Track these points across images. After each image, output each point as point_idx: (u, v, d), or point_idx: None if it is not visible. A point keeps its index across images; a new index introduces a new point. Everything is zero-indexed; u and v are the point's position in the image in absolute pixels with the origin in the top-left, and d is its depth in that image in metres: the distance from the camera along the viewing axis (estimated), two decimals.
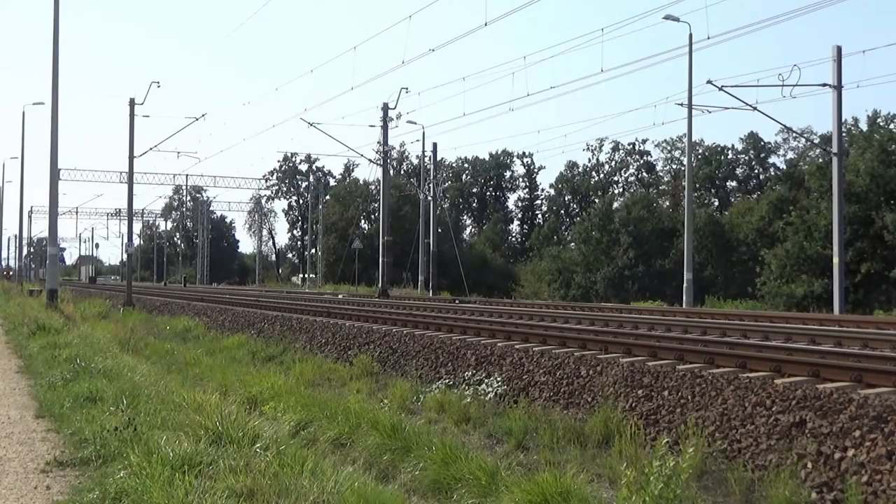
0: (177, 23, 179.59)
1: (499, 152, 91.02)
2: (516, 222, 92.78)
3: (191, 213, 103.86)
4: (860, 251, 34.72)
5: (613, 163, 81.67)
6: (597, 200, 69.71)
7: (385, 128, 39.53)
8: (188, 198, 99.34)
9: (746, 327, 15.25)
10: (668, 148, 77.05)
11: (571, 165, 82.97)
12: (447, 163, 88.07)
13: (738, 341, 12.35)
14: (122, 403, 8.26)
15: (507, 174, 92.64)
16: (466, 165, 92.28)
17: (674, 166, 75.79)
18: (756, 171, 72.06)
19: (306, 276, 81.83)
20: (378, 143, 40.69)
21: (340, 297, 37.65)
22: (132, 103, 35.20)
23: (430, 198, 49.15)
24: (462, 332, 14.67)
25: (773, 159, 71.32)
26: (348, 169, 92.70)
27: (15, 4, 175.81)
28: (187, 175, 71.49)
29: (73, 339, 15.39)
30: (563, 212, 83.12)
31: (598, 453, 7.92)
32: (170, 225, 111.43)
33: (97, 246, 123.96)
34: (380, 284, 39.95)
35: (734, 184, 72.62)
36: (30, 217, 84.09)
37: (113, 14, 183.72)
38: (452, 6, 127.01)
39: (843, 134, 30.61)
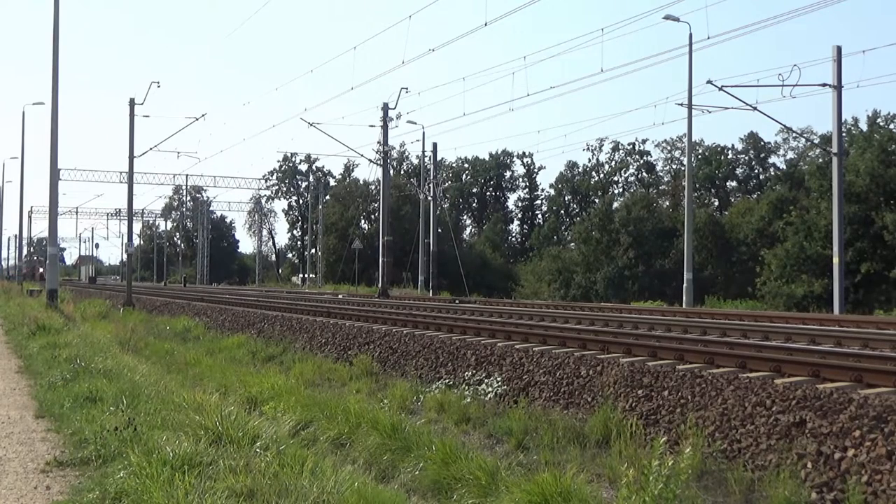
0: (177, 22, 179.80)
1: (499, 152, 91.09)
2: (516, 222, 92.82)
3: (191, 213, 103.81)
4: (860, 251, 34.71)
5: (613, 163, 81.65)
6: (597, 200, 69.70)
7: (385, 128, 39.50)
8: (188, 198, 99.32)
9: (746, 327, 15.25)
10: (668, 148, 77.10)
11: (571, 165, 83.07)
12: (447, 163, 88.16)
13: (738, 341, 12.34)
14: (122, 403, 8.25)
15: (507, 174, 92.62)
16: (466, 165, 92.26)
17: (674, 166, 75.81)
18: (756, 171, 72.06)
19: (306, 276, 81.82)
20: (378, 143, 40.67)
21: (340, 297, 37.65)
22: (132, 103, 35.21)
23: (430, 198, 49.13)
24: (462, 332, 14.66)
25: (773, 159, 71.42)
26: (348, 169, 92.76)
27: (15, 4, 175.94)
28: (187, 175, 71.61)
29: (73, 339, 15.38)
30: (563, 212, 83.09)
31: (598, 453, 7.92)
32: (170, 225, 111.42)
33: (97, 246, 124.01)
34: (380, 284, 39.93)
35: (734, 184, 72.61)
36: (30, 217, 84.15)
37: (113, 14, 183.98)
38: (452, 6, 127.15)
39: (843, 134, 30.60)
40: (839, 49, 27.21)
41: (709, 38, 43.14)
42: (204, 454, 6.01)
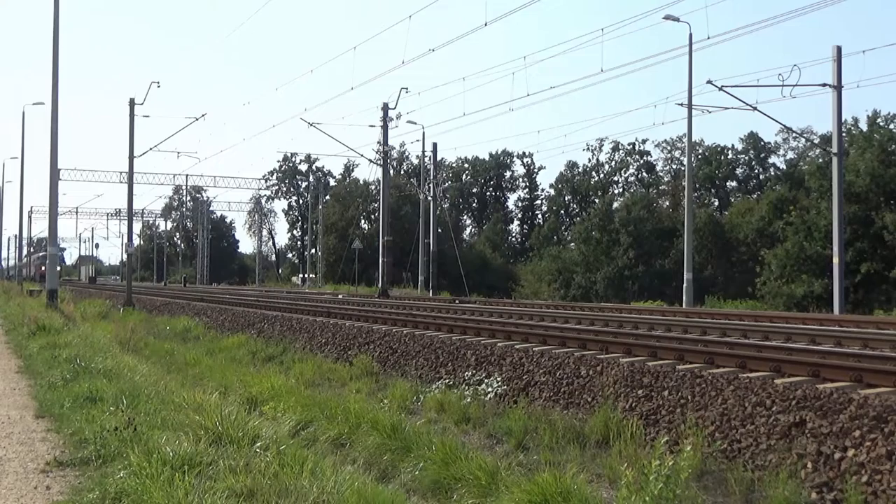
0: (177, 22, 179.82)
1: (499, 152, 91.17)
2: (516, 222, 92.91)
3: (191, 213, 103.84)
4: (860, 251, 34.72)
5: (613, 163, 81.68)
6: (597, 200, 69.71)
7: (385, 128, 39.51)
8: (188, 198, 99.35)
9: (746, 327, 15.24)
10: (668, 148, 77.15)
11: (571, 165, 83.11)
12: (447, 163, 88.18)
13: (738, 341, 12.34)
14: (122, 403, 8.25)
15: (507, 174, 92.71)
16: (466, 165, 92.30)
17: (674, 166, 75.87)
18: (756, 171, 72.10)
19: (306, 276, 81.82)
20: (378, 143, 40.70)
21: (340, 297, 37.64)
22: (132, 103, 35.21)
23: (430, 198, 49.14)
24: (462, 332, 14.66)
25: (773, 159, 71.49)
26: (348, 169, 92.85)
27: (15, 4, 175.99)
28: (187, 175, 71.66)
29: (73, 339, 15.37)
30: (563, 212, 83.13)
31: (598, 453, 7.92)
32: (170, 225, 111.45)
33: (97, 246, 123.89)
34: (380, 284, 39.94)
35: (734, 184, 72.65)
36: (30, 217, 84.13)
37: (113, 14, 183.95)
38: (452, 6, 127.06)
39: (843, 134, 30.58)
40: (839, 49, 27.21)
41: (709, 38, 43.00)
42: (204, 454, 6.01)
